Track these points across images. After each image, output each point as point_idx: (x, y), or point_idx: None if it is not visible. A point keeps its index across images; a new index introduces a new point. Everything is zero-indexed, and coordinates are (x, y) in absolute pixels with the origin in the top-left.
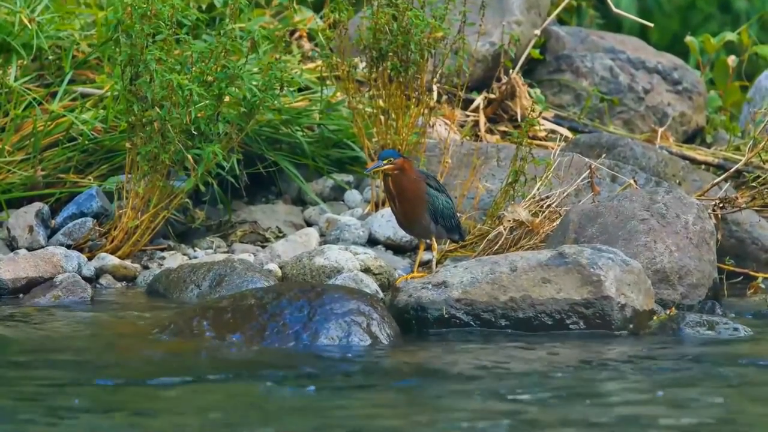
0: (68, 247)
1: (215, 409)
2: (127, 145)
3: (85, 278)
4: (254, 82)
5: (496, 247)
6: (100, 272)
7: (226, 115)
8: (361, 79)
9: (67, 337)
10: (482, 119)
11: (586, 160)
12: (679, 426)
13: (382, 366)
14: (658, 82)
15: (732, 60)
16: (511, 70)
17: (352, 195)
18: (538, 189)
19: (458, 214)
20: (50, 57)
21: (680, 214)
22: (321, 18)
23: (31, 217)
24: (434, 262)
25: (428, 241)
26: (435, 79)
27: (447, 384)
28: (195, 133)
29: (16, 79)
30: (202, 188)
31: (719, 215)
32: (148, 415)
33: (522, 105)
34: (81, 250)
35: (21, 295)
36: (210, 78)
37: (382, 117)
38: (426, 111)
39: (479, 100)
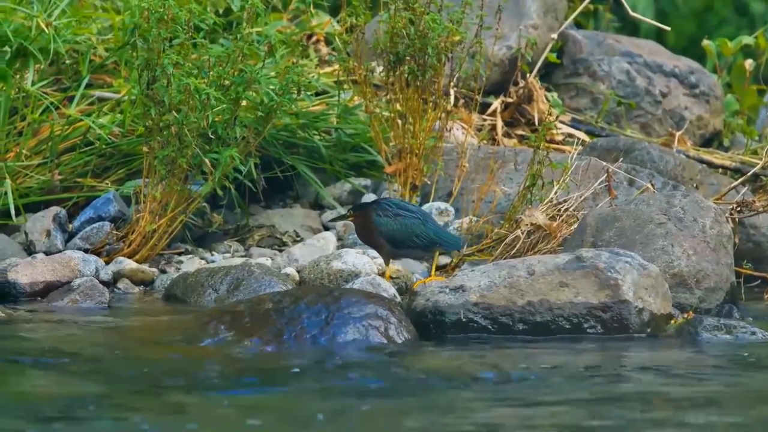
0: (86, 251)
1: (231, 414)
2: (145, 149)
3: (102, 282)
4: (271, 86)
5: (513, 251)
6: (117, 276)
7: (243, 119)
8: (378, 83)
9: (84, 341)
10: (499, 123)
11: (604, 163)
12: (699, 429)
13: (400, 370)
14: (675, 86)
15: (749, 63)
16: (528, 74)
17: (369, 199)
18: (555, 193)
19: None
20: (67, 61)
21: (697, 217)
22: (338, 22)
23: (48, 221)
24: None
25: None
26: (452, 83)
27: (465, 388)
28: (212, 137)
29: (33, 84)
30: (220, 192)
31: (736, 219)
32: (164, 421)
33: (539, 109)
34: (98, 255)
35: (38, 299)
36: (227, 82)
37: (399, 121)
38: (443, 115)
39: (496, 104)
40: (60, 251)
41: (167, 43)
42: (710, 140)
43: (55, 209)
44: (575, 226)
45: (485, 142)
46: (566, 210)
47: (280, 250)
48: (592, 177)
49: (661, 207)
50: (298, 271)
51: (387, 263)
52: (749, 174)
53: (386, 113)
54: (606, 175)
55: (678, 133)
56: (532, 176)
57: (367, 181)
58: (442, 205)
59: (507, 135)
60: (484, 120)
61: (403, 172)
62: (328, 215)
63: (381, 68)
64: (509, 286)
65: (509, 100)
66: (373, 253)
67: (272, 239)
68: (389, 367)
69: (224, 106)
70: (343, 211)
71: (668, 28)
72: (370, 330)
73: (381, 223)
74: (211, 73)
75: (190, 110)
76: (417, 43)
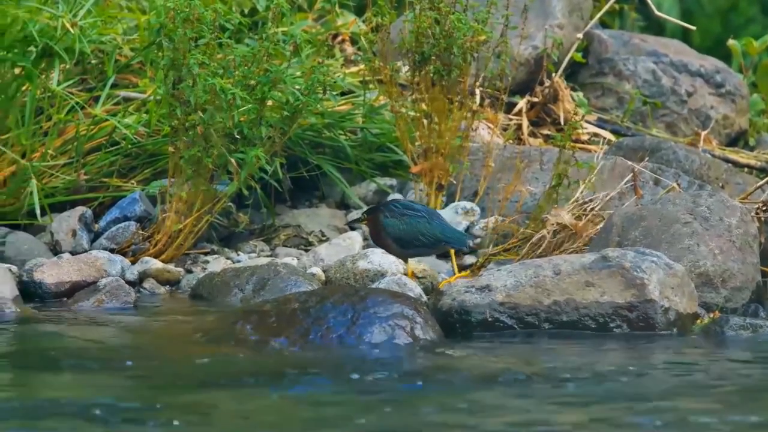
0: (111, 251)
1: (259, 413)
2: (170, 149)
3: (128, 282)
4: (297, 86)
5: (539, 251)
6: (143, 276)
7: (268, 119)
8: (403, 82)
9: (111, 341)
10: (525, 123)
11: (629, 163)
12: (726, 427)
13: (427, 369)
14: (701, 85)
15: None
16: (553, 74)
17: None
18: (581, 192)
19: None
20: (93, 61)
21: (723, 217)
22: (363, 22)
23: (74, 221)
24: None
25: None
26: (478, 83)
27: (493, 387)
28: (238, 137)
29: (58, 84)
30: (245, 192)
31: (762, 218)
32: (190, 421)
33: (565, 108)
34: (124, 254)
35: (64, 299)
36: (252, 82)
37: (424, 121)
38: (469, 114)
39: (522, 103)
40: (86, 251)
41: (193, 43)
42: (736, 140)
43: (80, 209)
44: (601, 225)
45: (511, 141)
46: (592, 209)
47: (306, 250)
48: (618, 176)
49: (687, 206)
50: (324, 271)
51: (406, 262)
52: None
53: (412, 113)
54: (632, 174)
55: (704, 133)
56: (558, 176)
57: (393, 181)
58: (468, 204)
59: (533, 134)
60: (510, 119)
61: (429, 171)
62: (354, 215)
63: (406, 68)
64: (535, 285)
65: (535, 99)
66: None
67: (298, 239)
68: (417, 368)
69: (250, 106)
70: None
71: (693, 28)
72: (396, 330)
73: (388, 224)
74: (236, 73)
75: (216, 110)
76: (442, 42)
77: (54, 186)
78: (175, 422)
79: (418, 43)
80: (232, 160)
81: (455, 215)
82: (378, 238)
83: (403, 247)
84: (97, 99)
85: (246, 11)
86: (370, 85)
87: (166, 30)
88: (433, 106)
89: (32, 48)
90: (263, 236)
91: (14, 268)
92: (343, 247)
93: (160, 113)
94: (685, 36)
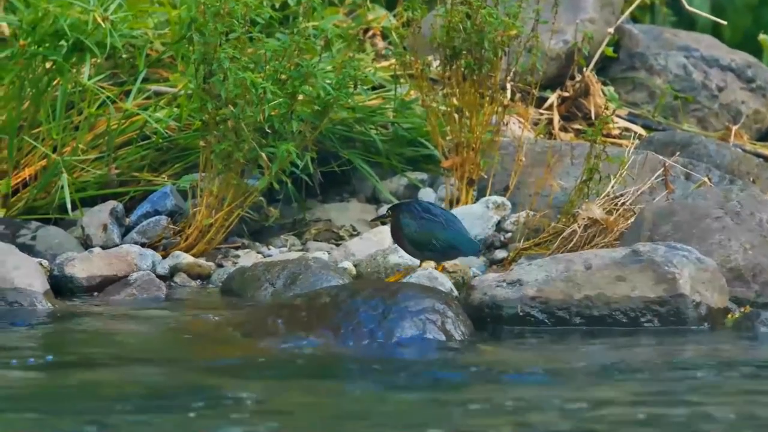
0: (142, 245)
1: (290, 408)
2: (201, 143)
3: (159, 276)
4: (328, 81)
5: (570, 245)
6: (174, 270)
7: (299, 113)
8: (434, 77)
9: (142, 335)
10: (556, 117)
11: (660, 158)
12: (761, 425)
13: (458, 364)
14: (732, 80)
15: None
16: (584, 68)
17: (426, 193)
18: (612, 187)
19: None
20: (124, 55)
21: (754, 211)
22: (394, 16)
23: (105, 215)
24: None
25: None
26: (509, 77)
27: (524, 382)
28: (269, 131)
29: (89, 78)
30: (276, 186)
31: None
32: (222, 415)
33: (596, 103)
34: (155, 249)
35: (95, 294)
36: (283, 76)
37: (455, 115)
38: (500, 109)
39: (553, 98)
40: (117, 245)
41: (224, 38)
42: (767, 134)
43: (111, 203)
44: (632, 220)
45: (542, 136)
46: (623, 204)
47: (337, 244)
48: (649, 171)
49: (718, 201)
50: (355, 265)
51: (434, 261)
52: None
53: (443, 107)
54: (663, 169)
55: (735, 128)
56: (589, 170)
57: (424, 176)
58: (499, 199)
59: (564, 129)
60: (541, 114)
61: (460, 166)
62: (384, 209)
63: (437, 62)
64: (566, 280)
65: (566, 94)
66: None
67: (329, 233)
68: (449, 362)
69: (281, 100)
70: None
71: (725, 23)
72: (427, 324)
73: (405, 225)
74: (267, 67)
75: (247, 104)
76: (473, 37)
77: (85, 180)
78: (209, 416)
79: (449, 38)
80: (263, 155)
81: (486, 210)
82: (396, 236)
83: (417, 249)
84: (128, 93)
85: (277, 5)
86: (401, 80)
87: (196, 24)
88: (464, 100)
89: (63, 42)
90: (294, 230)
91: (45, 262)
92: (374, 242)
93: (191, 107)
94: (715, 31)
